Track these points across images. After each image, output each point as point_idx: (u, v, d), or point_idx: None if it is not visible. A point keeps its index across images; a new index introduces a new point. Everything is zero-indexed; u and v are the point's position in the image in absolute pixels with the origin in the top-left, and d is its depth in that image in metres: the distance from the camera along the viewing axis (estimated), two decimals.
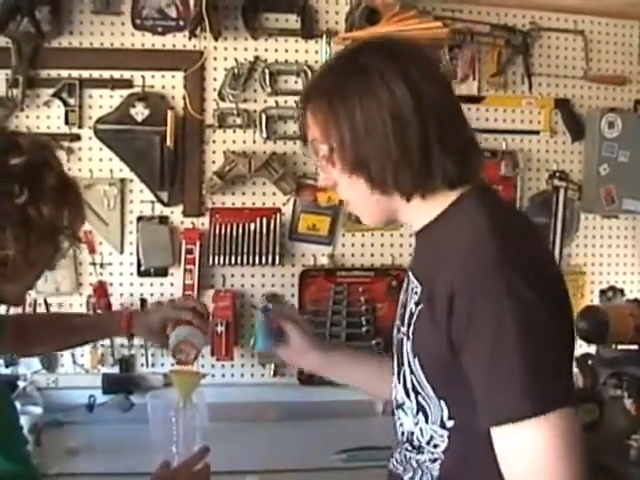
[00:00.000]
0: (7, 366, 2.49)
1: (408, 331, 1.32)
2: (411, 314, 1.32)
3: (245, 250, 2.56)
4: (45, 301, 2.52)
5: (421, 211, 1.33)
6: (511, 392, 1.14)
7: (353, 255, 2.66)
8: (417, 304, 1.30)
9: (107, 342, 2.51)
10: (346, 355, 1.75)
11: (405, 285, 1.42)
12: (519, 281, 1.15)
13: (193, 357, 1.89)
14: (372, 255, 2.67)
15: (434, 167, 1.27)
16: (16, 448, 1.40)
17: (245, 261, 2.57)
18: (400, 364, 1.36)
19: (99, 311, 2.50)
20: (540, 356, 1.14)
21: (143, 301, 2.55)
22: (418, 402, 1.33)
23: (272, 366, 2.60)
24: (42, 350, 2.15)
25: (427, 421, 1.32)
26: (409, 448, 1.39)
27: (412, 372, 1.31)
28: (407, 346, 1.32)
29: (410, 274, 1.39)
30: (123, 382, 2.42)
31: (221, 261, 2.56)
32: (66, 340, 2.07)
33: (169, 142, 2.49)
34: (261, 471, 2.07)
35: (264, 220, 2.58)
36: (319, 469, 1.89)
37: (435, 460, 1.34)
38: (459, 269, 1.20)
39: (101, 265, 2.55)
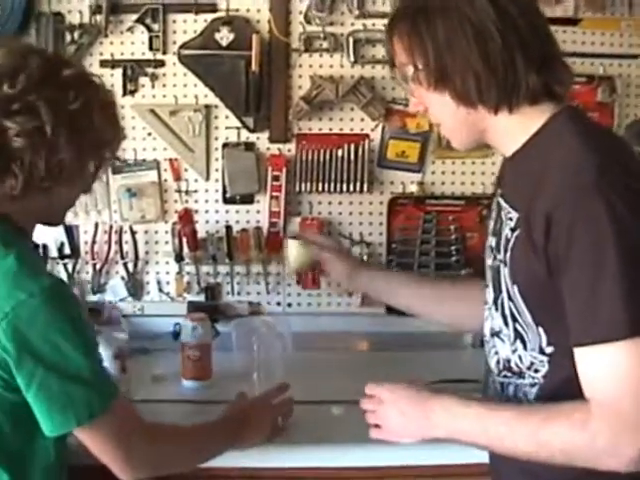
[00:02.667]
0: (94, 293, 2.51)
1: (505, 258, 1.32)
2: (507, 240, 1.32)
3: (332, 177, 2.50)
4: (131, 229, 2.51)
5: (509, 130, 1.34)
6: (610, 313, 1.15)
7: (443, 183, 2.57)
8: (513, 230, 1.30)
9: (192, 270, 2.51)
10: (392, 274, 1.86)
11: (495, 213, 1.43)
12: (618, 203, 1.16)
13: None
14: (463, 183, 2.58)
15: (517, 78, 1.28)
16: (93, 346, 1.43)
17: (332, 188, 2.51)
18: (498, 292, 1.36)
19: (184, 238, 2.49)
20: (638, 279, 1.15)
21: (228, 228, 2.51)
22: (516, 329, 1.33)
23: (359, 295, 2.54)
24: None
25: (525, 348, 1.33)
26: (508, 374, 1.39)
27: (510, 299, 1.32)
28: (504, 273, 1.32)
29: (501, 201, 1.39)
30: (208, 310, 2.38)
31: (308, 188, 2.51)
32: None
33: (254, 67, 2.43)
34: (346, 401, 2.03)
35: (352, 146, 2.51)
36: None
37: (534, 385, 1.34)
38: (556, 192, 1.21)
39: (186, 192, 2.52)
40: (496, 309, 1.38)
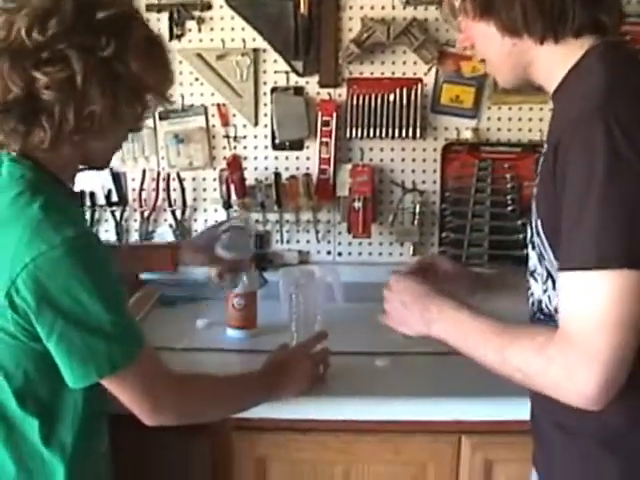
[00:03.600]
0: (142, 241, 2.50)
1: (534, 192, 1.35)
2: (536, 176, 1.35)
3: (384, 122, 2.43)
4: (178, 175, 2.49)
5: (552, 63, 1.31)
6: (584, 240, 1.14)
7: (499, 129, 2.48)
8: (542, 165, 1.31)
9: None
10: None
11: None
12: (620, 137, 1.13)
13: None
14: (519, 130, 2.48)
15: (564, 8, 1.26)
16: (116, 298, 1.39)
17: (384, 134, 2.44)
18: (531, 229, 1.36)
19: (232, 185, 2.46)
20: (620, 214, 1.12)
21: (277, 175, 2.47)
22: (546, 268, 1.31)
23: (411, 245, 2.50)
24: None
25: (554, 287, 1.29)
26: (540, 317, 1.37)
27: (538, 234, 1.31)
28: (533, 208, 1.33)
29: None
30: (257, 258, 2.34)
31: (359, 134, 2.45)
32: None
33: (303, 9, 2.36)
34: (392, 353, 1.99)
35: (404, 91, 2.43)
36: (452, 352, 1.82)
37: None
38: (566, 118, 1.23)
39: (235, 138, 2.48)
40: (532, 247, 1.36)
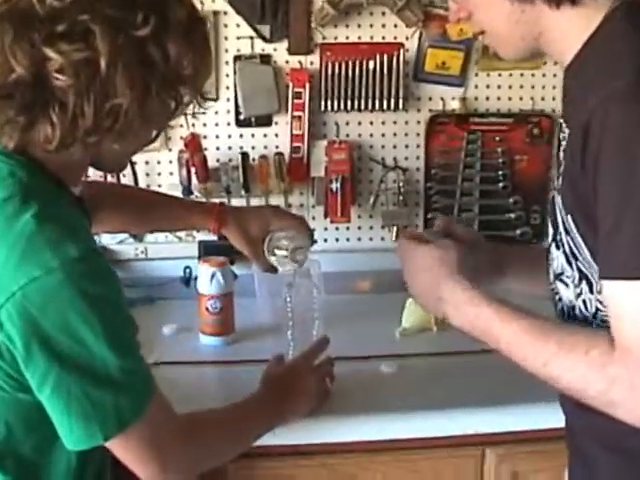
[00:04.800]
0: None
1: (558, 184, 1.22)
2: (559, 165, 1.22)
3: (363, 93, 2.21)
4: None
5: (567, 31, 1.17)
6: (632, 246, 1.02)
7: (488, 99, 2.29)
8: (565, 151, 1.19)
9: None
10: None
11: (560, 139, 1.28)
12: None
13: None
14: (510, 99, 2.29)
15: None
16: (126, 338, 1.12)
17: (363, 106, 2.22)
18: (555, 226, 1.24)
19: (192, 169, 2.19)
20: None
21: (244, 156, 2.20)
22: (579, 269, 1.19)
23: (394, 229, 2.30)
24: (107, 228, 1.78)
25: (591, 290, 1.18)
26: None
27: (567, 232, 1.18)
28: (559, 202, 1.21)
29: (561, 121, 1.26)
30: (224, 250, 2.05)
31: (335, 106, 2.22)
32: (139, 225, 1.78)
33: None
34: (398, 356, 1.80)
35: (385, 57, 2.21)
36: (464, 352, 1.71)
37: None
38: (592, 96, 1.07)
39: (193, 115, 2.16)
40: (557, 247, 1.24)
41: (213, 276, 1.85)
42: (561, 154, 1.22)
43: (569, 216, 1.18)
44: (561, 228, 1.22)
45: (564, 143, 1.21)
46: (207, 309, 1.85)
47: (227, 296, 1.87)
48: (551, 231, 1.28)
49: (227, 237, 1.70)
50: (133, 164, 2.20)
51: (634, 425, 1.06)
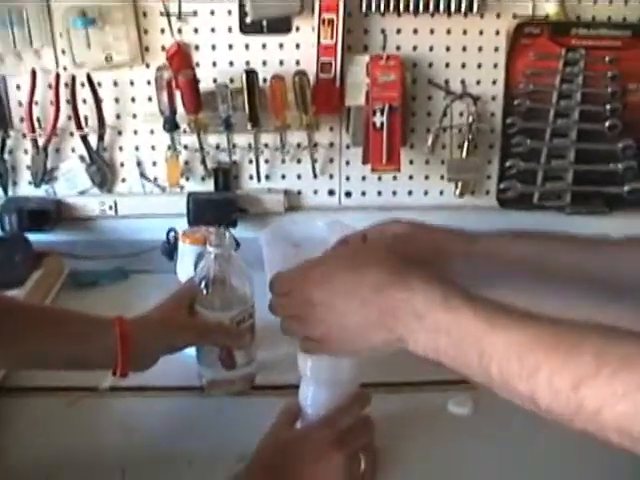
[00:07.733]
0: (38, 185, 1.73)
1: None
2: None
3: None
4: (89, 78, 1.65)
5: None
6: None
7: (596, 1, 1.69)
8: None
9: (194, 142, 1.69)
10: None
11: None
12: None
13: None
14: (627, 2, 1.69)
15: None
16: None
17: (421, 7, 1.64)
18: None
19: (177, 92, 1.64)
20: None
21: (250, 75, 1.62)
22: None
23: (459, 183, 1.75)
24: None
25: None
26: None
27: None
28: None
29: None
30: (223, 205, 1.68)
31: (381, 6, 1.63)
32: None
33: None
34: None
35: None
36: None
37: None
38: None
39: (179, 16, 1.63)
40: None
41: (199, 258, 1.26)
42: None
43: None
44: None
45: None
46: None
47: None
48: None
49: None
50: (95, 87, 1.65)
51: None
